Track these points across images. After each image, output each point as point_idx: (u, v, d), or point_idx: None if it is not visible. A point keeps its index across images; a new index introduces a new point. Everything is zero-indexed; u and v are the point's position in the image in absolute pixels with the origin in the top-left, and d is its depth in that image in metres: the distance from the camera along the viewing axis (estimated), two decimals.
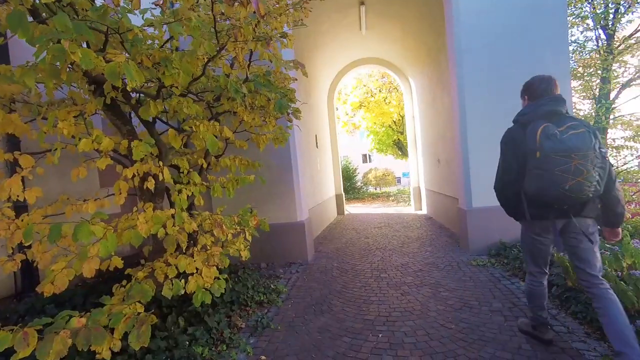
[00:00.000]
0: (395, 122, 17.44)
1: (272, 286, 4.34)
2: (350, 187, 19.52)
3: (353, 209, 14.68)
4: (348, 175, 19.53)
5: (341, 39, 10.00)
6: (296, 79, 4.47)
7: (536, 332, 2.86)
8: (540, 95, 2.66)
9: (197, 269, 2.78)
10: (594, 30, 6.32)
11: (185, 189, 3.54)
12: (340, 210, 12.49)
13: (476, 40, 5.35)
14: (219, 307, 3.56)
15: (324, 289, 4.42)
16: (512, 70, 5.28)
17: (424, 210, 11.38)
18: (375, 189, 24.86)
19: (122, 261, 2.67)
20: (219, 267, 3.15)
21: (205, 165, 4.22)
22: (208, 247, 3.09)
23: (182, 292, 2.66)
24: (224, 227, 3.04)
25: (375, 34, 10.08)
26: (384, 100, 16.43)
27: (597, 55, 6.27)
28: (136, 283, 2.47)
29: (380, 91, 16.65)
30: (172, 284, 2.67)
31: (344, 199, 12.88)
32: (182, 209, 3.43)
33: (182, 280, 2.73)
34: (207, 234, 3.14)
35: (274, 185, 5.87)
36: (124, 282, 2.69)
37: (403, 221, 9.74)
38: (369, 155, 39.09)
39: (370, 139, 19.10)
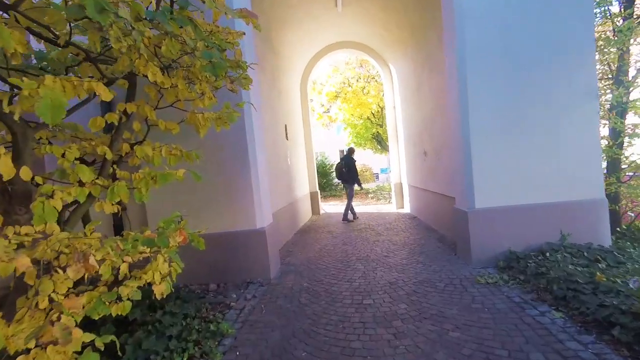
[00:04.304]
0: (374, 114, 16.35)
1: (211, 327, 3.10)
2: (327, 184, 18.35)
3: (330, 207, 13.53)
4: (324, 172, 18.34)
5: (314, 17, 8.76)
6: (244, 34, 3.22)
7: (350, 220, 9.04)
8: (347, 152, 9.53)
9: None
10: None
11: (62, 191, 2.27)
12: (315, 209, 11.31)
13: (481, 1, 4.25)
14: None
15: (286, 327, 3.21)
16: (527, 36, 4.21)
17: (407, 209, 10.35)
18: None
19: None
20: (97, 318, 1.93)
21: (110, 156, 2.93)
22: (56, 297, 1.82)
23: None
24: (91, 259, 1.79)
25: (352, 13, 8.88)
26: (362, 91, 15.29)
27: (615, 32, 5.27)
28: None
29: (357, 80, 15.51)
30: None
31: (319, 197, 11.70)
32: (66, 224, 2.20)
33: None
34: (65, 269, 1.85)
35: (226, 183, 4.62)
36: None
37: (385, 222, 8.66)
38: (344, 150, 38.08)
39: (348, 132, 17.95)
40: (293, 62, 9.97)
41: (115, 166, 3.13)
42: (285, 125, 8.45)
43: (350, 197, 9.33)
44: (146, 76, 2.52)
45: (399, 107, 10.48)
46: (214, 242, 4.60)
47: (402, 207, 10.91)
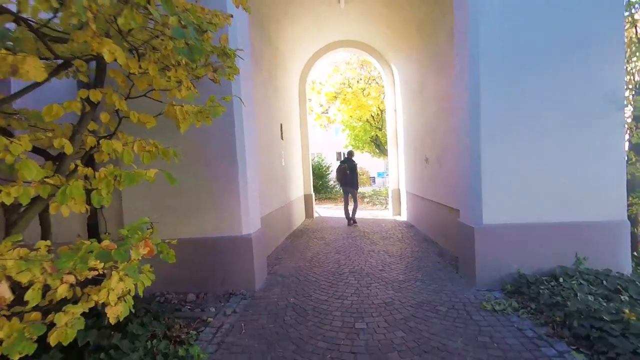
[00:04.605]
0: (373, 116, 15.97)
1: (180, 351, 2.68)
2: (322, 186, 17.94)
3: (324, 210, 13.12)
4: (320, 173, 17.91)
5: (315, 13, 8.34)
6: (232, 16, 2.81)
7: (348, 222, 9.04)
8: (348, 154, 9.55)
9: None
10: None
11: (1, 190, 1.89)
12: (309, 212, 10.91)
13: None
14: None
15: (266, 354, 2.80)
16: (547, 34, 3.85)
17: (404, 216, 9.97)
18: None
19: None
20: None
21: (70, 150, 2.50)
22: None
23: None
24: (2, 285, 1.39)
25: (355, 10, 8.47)
26: (362, 92, 14.90)
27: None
28: None
29: (358, 82, 15.11)
30: None
31: (313, 199, 11.29)
32: None
33: None
34: None
35: (211, 184, 4.22)
36: None
37: (381, 229, 8.27)
38: (344, 153, 37.70)
39: (346, 134, 17.56)
40: (292, 60, 9.57)
41: (79, 162, 2.72)
42: (281, 125, 8.04)
43: (355, 201, 9.33)
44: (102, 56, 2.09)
45: (400, 109, 10.11)
46: (195, 247, 4.21)
47: (399, 215, 10.53)
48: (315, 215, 11.41)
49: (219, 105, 3.08)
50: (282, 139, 8.05)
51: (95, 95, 2.46)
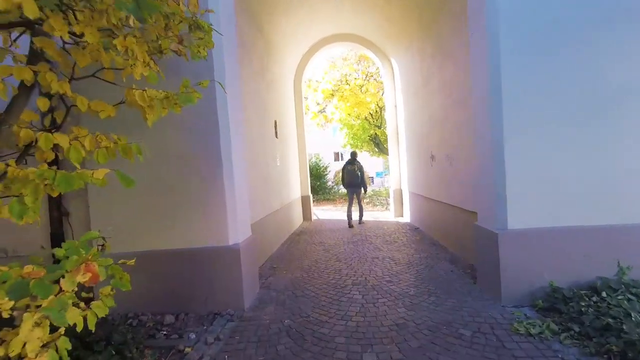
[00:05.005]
0: (372, 114, 15.41)
1: None
2: (320, 187, 17.34)
3: (322, 212, 12.55)
4: (318, 174, 17.32)
5: (310, 5, 7.77)
6: None
7: (350, 224, 8.81)
8: (352, 155, 9.23)
9: None
10: None
11: None
12: (306, 215, 10.35)
13: None
14: None
15: None
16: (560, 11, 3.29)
17: (407, 218, 9.42)
18: None
19: None
20: None
21: None
22: None
23: None
24: None
25: (351, 1, 7.92)
26: (360, 89, 14.33)
27: None
28: None
29: (355, 78, 14.55)
30: None
31: (311, 201, 10.73)
32: None
33: None
34: None
35: (192, 187, 3.64)
36: None
37: (384, 232, 7.70)
38: (342, 154, 37.16)
39: (344, 133, 16.98)
40: (286, 54, 9.00)
41: (12, 162, 2.13)
42: (275, 122, 7.46)
43: (360, 201, 9.45)
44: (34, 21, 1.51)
45: (401, 105, 9.55)
46: (175, 260, 3.63)
47: (401, 216, 9.97)
48: (314, 217, 10.85)
49: (193, 91, 2.51)
50: (276, 137, 7.47)
51: (21, 73, 1.88)
